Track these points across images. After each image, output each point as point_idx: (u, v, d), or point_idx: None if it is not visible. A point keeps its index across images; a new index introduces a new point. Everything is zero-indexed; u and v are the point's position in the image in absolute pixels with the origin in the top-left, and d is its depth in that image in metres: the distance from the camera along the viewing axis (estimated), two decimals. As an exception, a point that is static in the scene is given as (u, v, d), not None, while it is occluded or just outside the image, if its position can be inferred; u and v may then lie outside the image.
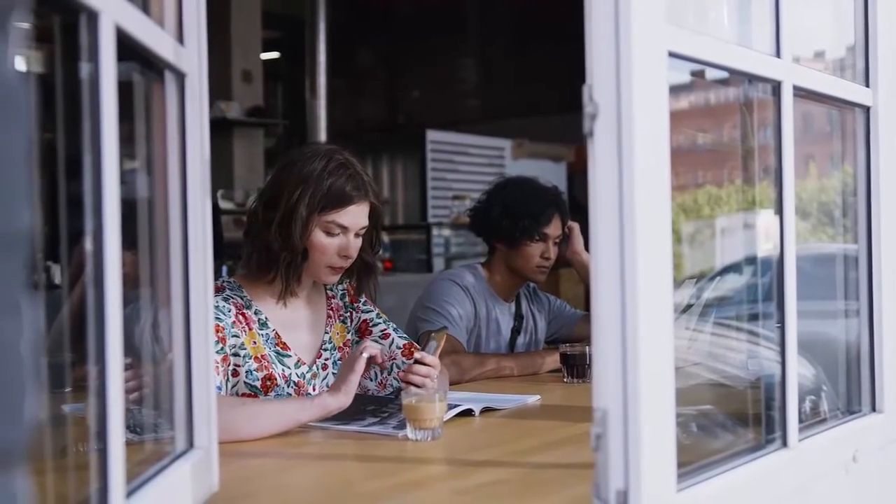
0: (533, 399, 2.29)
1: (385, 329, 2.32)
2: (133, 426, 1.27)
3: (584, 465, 1.47)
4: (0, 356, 0.53)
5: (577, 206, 3.08)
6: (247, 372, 2.09)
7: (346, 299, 2.34)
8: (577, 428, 1.89)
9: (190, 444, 1.32)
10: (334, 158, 2.12)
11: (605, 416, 1.14)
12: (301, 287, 2.21)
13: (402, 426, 1.86)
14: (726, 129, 1.94)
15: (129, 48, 1.08)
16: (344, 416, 1.99)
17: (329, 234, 2.12)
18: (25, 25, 0.58)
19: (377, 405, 2.09)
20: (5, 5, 0.54)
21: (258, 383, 2.10)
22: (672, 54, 1.21)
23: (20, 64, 0.55)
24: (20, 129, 0.53)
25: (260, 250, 2.13)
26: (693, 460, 1.29)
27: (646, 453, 1.13)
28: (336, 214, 2.11)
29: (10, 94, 0.53)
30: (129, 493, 1.05)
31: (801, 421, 1.49)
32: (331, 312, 2.31)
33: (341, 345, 2.30)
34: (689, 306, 1.89)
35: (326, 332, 2.28)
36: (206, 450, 1.34)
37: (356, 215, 2.13)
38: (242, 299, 2.16)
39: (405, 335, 2.34)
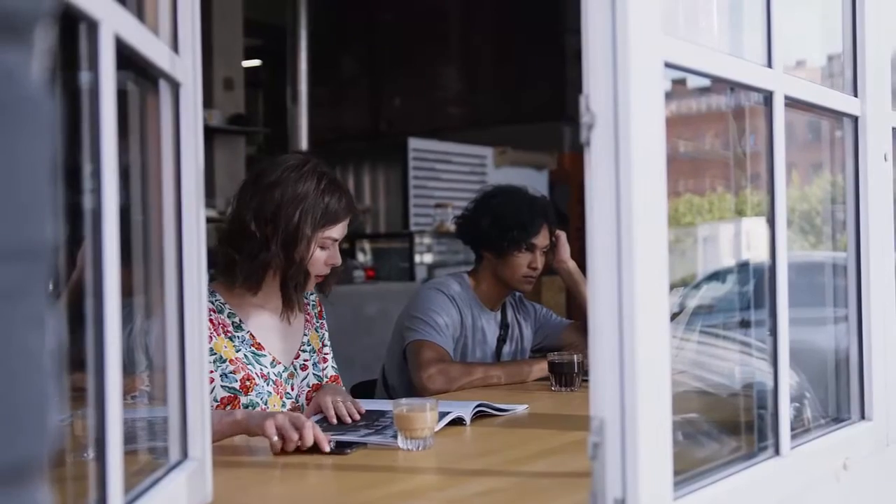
0: (521, 408, 2.29)
1: (327, 354, 2.42)
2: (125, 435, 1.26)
3: (579, 474, 1.47)
4: (25, 368, 0.53)
5: (558, 214, 3.08)
6: (222, 375, 2.13)
7: (316, 311, 2.43)
8: (569, 436, 1.89)
9: (184, 454, 1.32)
10: (324, 176, 2.22)
11: (603, 426, 1.14)
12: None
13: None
14: (707, 138, 1.95)
15: (125, 57, 1.07)
16: (339, 429, 1.98)
17: (323, 248, 2.22)
18: (49, 37, 0.58)
19: (369, 419, 2.08)
20: (30, 18, 0.54)
21: (237, 384, 2.14)
22: (668, 64, 1.21)
23: (44, 75, 0.54)
24: (46, 142, 0.53)
25: (259, 267, 2.18)
26: (688, 468, 1.30)
27: (643, 462, 1.13)
28: (332, 230, 2.22)
29: (34, 106, 0.53)
30: (127, 505, 1.05)
31: (791, 429, 1.50)
32: (308, 318, 2.38)
33: (318, 349, 2.38)
34: (674, 315, 1.90)
35: (305, 335, 2.34)
36: (200, 460, 1.33)
37: (344, 227, 2.26)
38: (214, 303, 2.19)
39: (336, 366, 2.44)
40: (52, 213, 0.55)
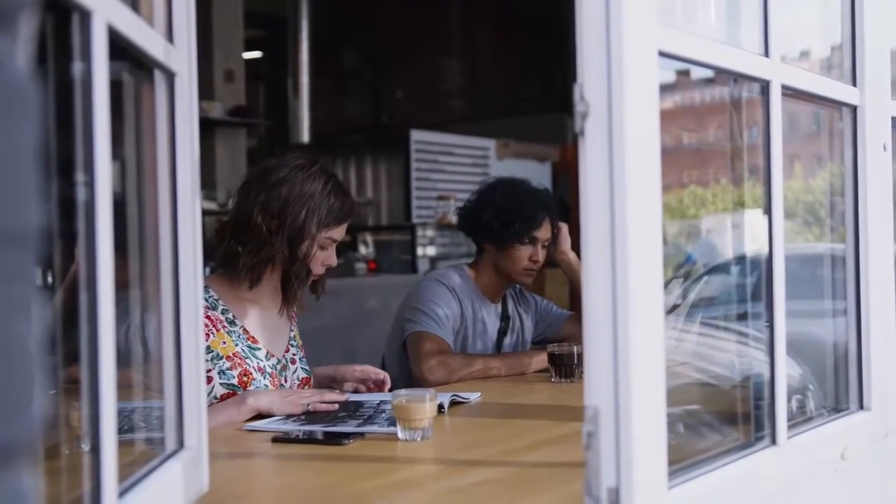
0: (475, 396, 2.30)
1: (300, 354, 2.42)
2: (121, 426, 1.26)
3: (575, 464, 1.47)
4: (11, 352, 0.53)
5: (562, 207, 3.08)
6: (220, 373, 2.15)
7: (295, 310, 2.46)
8: (567, 427, 1.89)
9: (180, 444, 1.32)
10: (331, 178, 2.26)
11: (597, 415, 1.14)
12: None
13: (394, 423, 1.86)
14: (710, 129, 1.95)
15: (119, 47, 1.07)
16: (329, 420, 1.98)
17: (323, 248, 2.24)
18: (34, 24, 0.58)
19: (354, 407, 2.10)
20: (15, 4, 0.54)
21: (235, 380, 2.16)
22: (662, 53, 1.21)
23: (28, 62, 0.54)
24: (29, 127, 0.53)
25: (262, 261, 2.20)
26: (683, 458, 1.30)
27: (637, 451, 1.13)
28: (334, 231, 2.25)
29: (20, 92, 0.53)
30: (121, 494, 1.05)
31: (788, 419, 1.50)
32: (292, 315, 2.41)
33: (300, 345, 2.42)
34: (675, 306, 1.90)
35: (291, 330, 2.39)
36: (196, 450, 1.33)
37: (344, 229, 2.30)
38: (207, 300, 2.20)
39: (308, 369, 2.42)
40: (38, 199, 0.55)
